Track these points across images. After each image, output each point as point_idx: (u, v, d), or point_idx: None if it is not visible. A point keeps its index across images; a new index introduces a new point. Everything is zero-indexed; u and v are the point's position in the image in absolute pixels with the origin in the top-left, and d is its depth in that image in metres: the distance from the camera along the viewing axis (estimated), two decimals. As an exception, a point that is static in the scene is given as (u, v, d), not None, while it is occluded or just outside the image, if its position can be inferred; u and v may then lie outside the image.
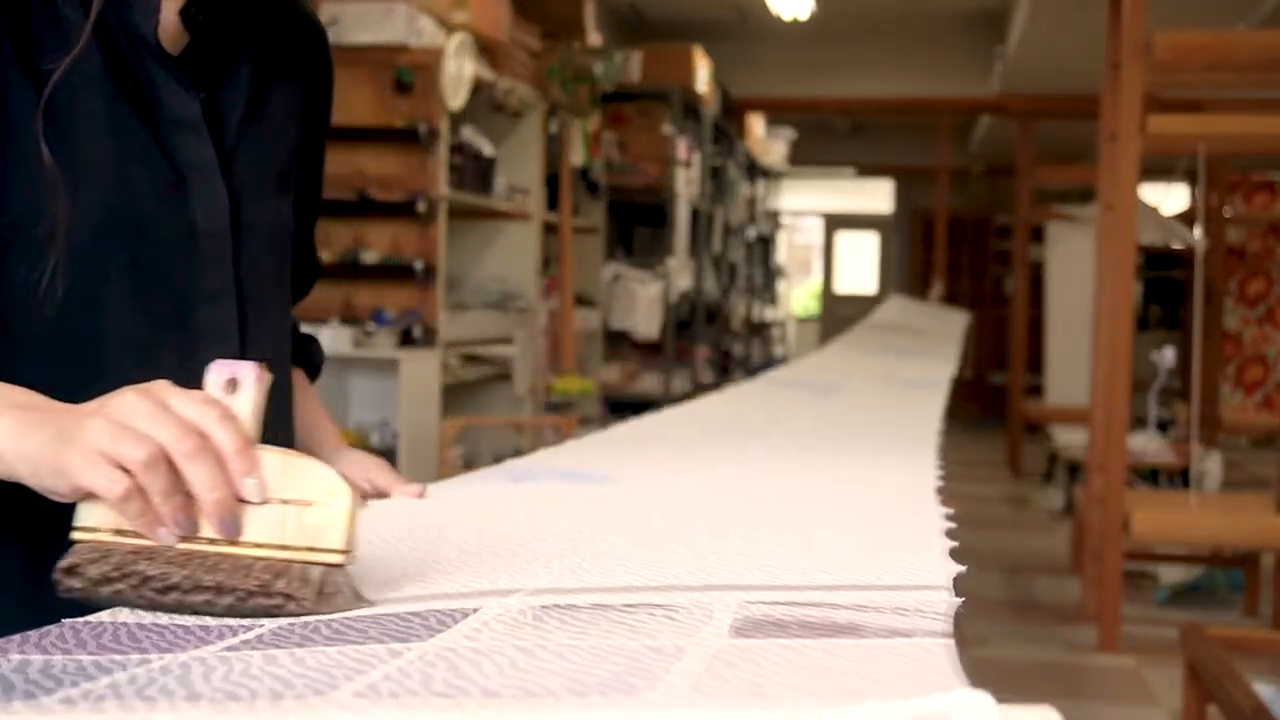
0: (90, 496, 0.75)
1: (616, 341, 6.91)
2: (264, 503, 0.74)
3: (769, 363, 11.21)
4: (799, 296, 15.42)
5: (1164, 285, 10.34)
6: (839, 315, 14.41)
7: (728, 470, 1.44)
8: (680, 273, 7.09)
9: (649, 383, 7.04)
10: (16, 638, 0.68)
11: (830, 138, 13.12)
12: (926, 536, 0.94)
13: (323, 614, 0.73)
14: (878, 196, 14.81)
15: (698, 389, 7.73)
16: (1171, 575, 5.29)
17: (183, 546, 0.74)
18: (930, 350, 4.34)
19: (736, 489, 1.31)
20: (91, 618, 0.73)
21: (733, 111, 9.07)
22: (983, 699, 0.45)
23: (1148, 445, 6.08)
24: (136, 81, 0.98)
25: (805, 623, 0.68)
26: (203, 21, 1.02)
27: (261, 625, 0.73)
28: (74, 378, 0.93)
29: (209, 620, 0.74)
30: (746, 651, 0.62)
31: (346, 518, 0.74)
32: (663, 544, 0.93)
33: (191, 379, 1.00)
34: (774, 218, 11.94)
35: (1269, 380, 7.79)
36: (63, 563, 0.74)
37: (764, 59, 10.23)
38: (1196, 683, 2.92)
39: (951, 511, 1.06)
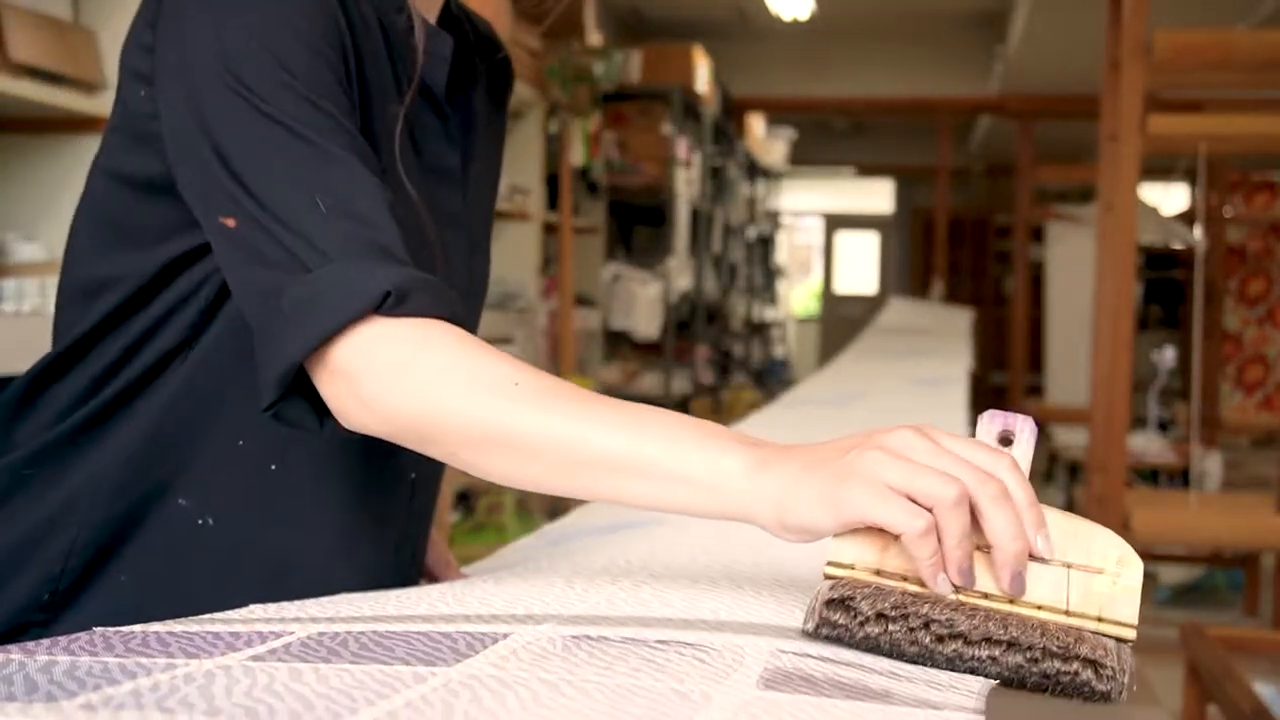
0: (850, 533, 0.71)
1: (616, 341, 6.91)
2: (1049, 562, 0.70)
3: (769, 363, 11.21)
4: (799, 296, 15.42)
5: (1164, 285, 10.34)
6: (839, 315, 14.42)
7: None
8: (680, 273, 7.08)
9: (649, 383, 7.03)
10: (47, 641, 0.68)
11: (830, 138, 13.12)
12: None
13: (1110, 693, 0.67)
14: (878, 196, 14.80)
15: (698, 389, 7.73)
16: (1171, 575, 5.29)
17: (957, 597, 0.70)
18: (941, 348, 4.34)
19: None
20: (124, 628, 0.72)
21: (733, 111, 9.07)
22: None
23: (1148, 445, 6.08)
24: (413, 127, 0.97)
25: (836, 683, 0.65)
26: (453, 67, 1.01)
27: (291, 634, 0.71)
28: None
29: (239, 628, 0.73)
30: (773, 706, 0.60)
31: (1138, 591, 0.70)
32: (704, 573, 0.91)
33: None
34: (774, 218, 11.93)
35: (1269, 380, 7.79)
36: (830, 594, 0.70)
37: (764, 59, 10.23)
38: (1196, 683, 2.92)
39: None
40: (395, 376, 0.81)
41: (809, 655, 0.69)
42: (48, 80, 2.50)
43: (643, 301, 6.66)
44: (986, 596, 0.70)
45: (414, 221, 0.93)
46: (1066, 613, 0.70)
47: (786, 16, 8.91)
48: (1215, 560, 5.24)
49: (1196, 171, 4.80)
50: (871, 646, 0.69)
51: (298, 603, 0.83)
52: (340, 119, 0.87)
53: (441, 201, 0.99)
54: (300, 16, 0.87)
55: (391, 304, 0.81)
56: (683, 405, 7.33)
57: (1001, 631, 0.68)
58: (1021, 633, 0.68)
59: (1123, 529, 4.40)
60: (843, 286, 15.16)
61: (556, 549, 1.21)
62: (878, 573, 0.71)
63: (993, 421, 0.74)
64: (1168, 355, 5.38)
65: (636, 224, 7.55)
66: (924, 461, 0.70)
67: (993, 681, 0.69)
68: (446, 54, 0.99)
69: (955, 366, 3.43)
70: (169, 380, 0.94)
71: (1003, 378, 10.89)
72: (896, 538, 0.70)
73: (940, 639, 0.68)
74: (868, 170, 13.95)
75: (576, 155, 5.79)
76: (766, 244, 11.49)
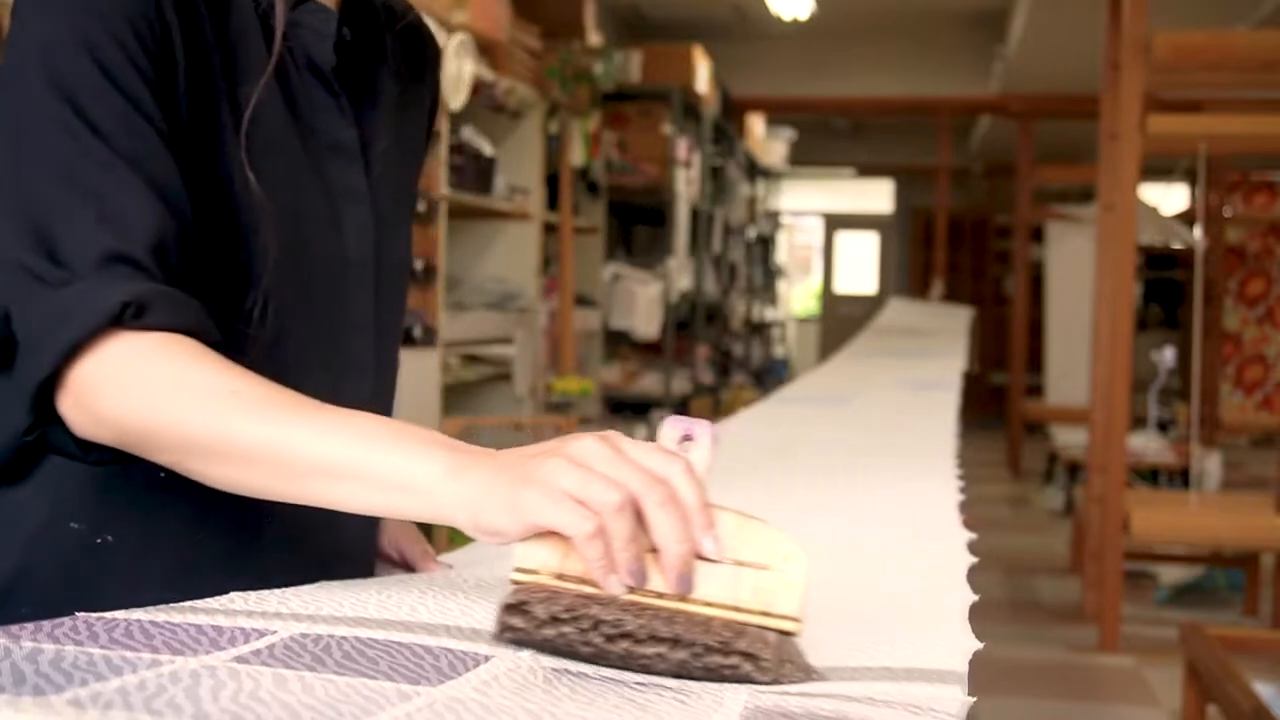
0: (535, 538, 0.74)
1: (616, 341, 6.91)
2: (717, 561, 0.73)
3: (769, 363, 11.21)
4: (799, 296, 15.42)
5: (1164, 285, 10.34)
6: (839, 315, 14.43)
7: (744, 503, 1.43)
8: (680, 273, 7.09)
9: (649, 383, 7.03)
10: (30, 625, 0.68)
11: (830, 138, 13.12)
12: (948, 598, 0.92)
13: (775, 682, 0.70)
14: (878, 196, 14.81)
15: (698, 389, 7.73)
16: (1171, 575, 5.29)
17: (630, 597, 0.72)
18: (938, 349, 4.34)
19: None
20: (106, 614, 0.72)
21: (733, 111, 9.07)
22: None
23: (1148, 445, 6.08)
24: (302, 106, 0.97)
25: (815, 716, 0.66)
26: (350, 43, 1.01)
27: (275, 634, 0.71)
28: None
29: (222, 622, 0.73)
30: None
31: (801, 585, 0.73)
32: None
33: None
34: (774, 218, 11.93)
35: (1269, 380, 7.79)
36: (508, 599, 0.73)
37: (764, 59, 10.23)
38: (1196, 683, 2.92)
39: (974, 537, 1.06)
40: (121, 388, 0.83)
41: (788, 693, 0.70)
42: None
43: (643, 301, 6.66)
44: (660, 596, 0.73)
45: (247, 202, 0.92)
46: (735, 609, 0.73)
47: (786, 16, 8.91)
48: (1215, 560, 5.24)
49: (1196, 171, 4.80)
50: (551, 649, 0.72)
51: (278, 593, 0.83)
52: (135, 112, 0.87)
53: (340, 177, 1.00)
54: (108, 6, 0.87)
55: (131, 315, 0.82)
56: (683, 405, 7.33)
57: (666, 629, 0.71)
58: (685, 630, 0.71)
59: (1123, 529, 4.40)
60: (842, 286, 15.16)
61: None
62: (560, 576, 0.73)
63: (674, 426, 0.77)
64: (1168, 355, 5.38)
65: (636, 224, 7.55)
66: (598, 468, 0.73)
67: (971, 700, 0.70)
68: (329, 31, 0.99)
69: (950, 368, 3.44)
70: None
71: (1003, 378, 10.90)
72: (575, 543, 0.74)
73: (610, 639, 0.71)
74: (868, 170, 13.95)
75: (576, 155, 5.79)
76: (766, 244, 11.49)
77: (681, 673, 0.71)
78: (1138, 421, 5.95)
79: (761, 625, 0.72)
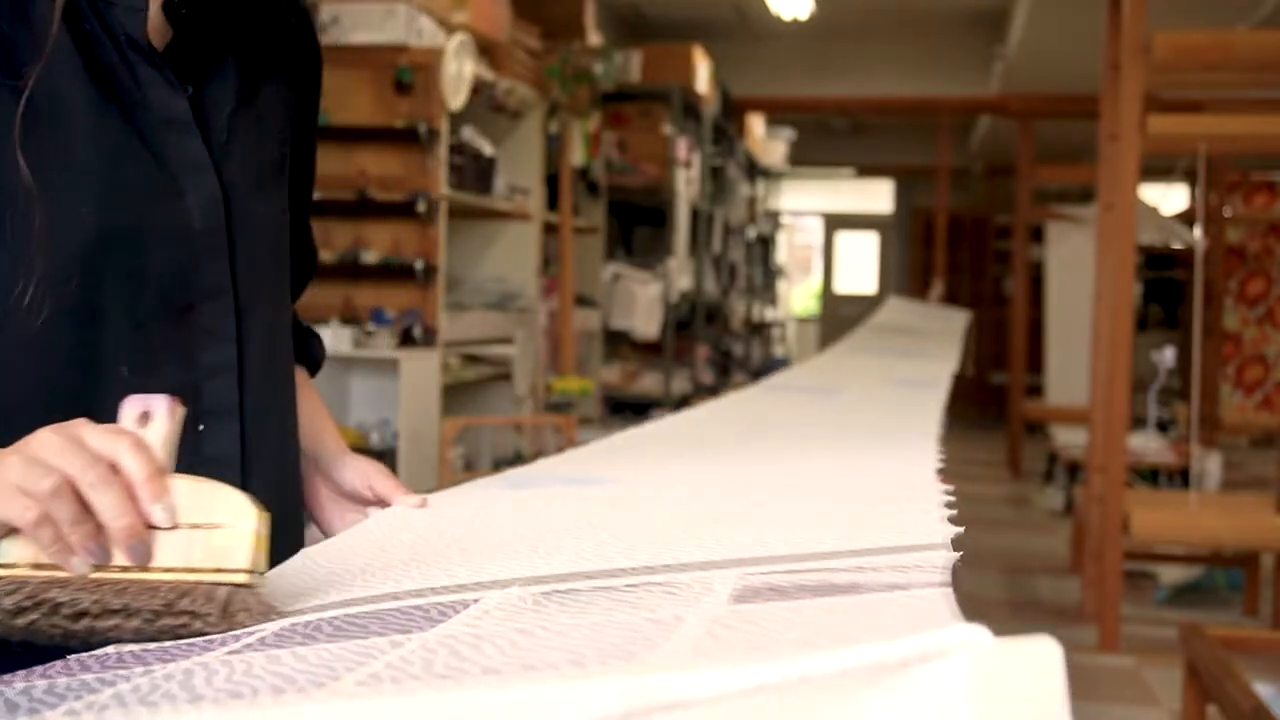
0: (11, 533, 0.76)
1: (616, 341, 6.91)
2: (174, 528, 0.76)
3: (769, 363, 11.20)
4: (799, 296, 15.42)
5: (1164, 285, 10.35)
6: (839, 315, 14.42)
7: (729, 464, 1.45)
8: (680, 273, 7.09)
9: (649, 383, 7.03)
10: (22, 672, 0.69)
11: (830, 138, 13.12)
12: (925, 505, 0.94)
13: (227, 631, 0.73)
14: (878, 196, 14.81)
15: (698, 389, 7.73)
16: (1171, 575, 5.29)
17: (96, 575, 0.75)
18: (930, 350, 4.34)
19: (738, 479, 1.31)
20: (97, 651, 0.74)
21: (733, 111, 9.07)
22: (979, 632, 0.45)
23: (1148, 445, 6.08)
24: (121, 83, 0.97)
25: (804, 586, 0.68)
26: (186, 15, 1.01)
27: (265, 629, 0.73)
28: (69, 387, 0.93)
29: (213, 634, 0.74)
30: (746, 615, 0.62)
31: (253, 538, 0.76)
32: (665, 531, 0.93)
33: (191, 379, 0.97)
34: (774, 218, 11.93)
35: (1269, 380, 7.79)
36: None
37: (764, 59, 10.23)
38: (1196, 683, 2.92)
39: (952, 488, 1.06)
40: None
41: (775, 571, 0.72)
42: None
43: (643, 301, 6.66)
44: (125, 570, 0.76)
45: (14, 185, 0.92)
46: (191, 570, 0.76)
47: (786, 16, 8.92)
48: (1215, 560, 5.24)
49: (1196, 171, 4.80)
50: (28, 637, 0.74)
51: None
52: None
53: (178, 148, 1.00)
54: None
55: None
56: (682, 405, 7.33)
57: (117, 601, 0.74)
58: (134, 599, 0.74)
59: (1123, 529, 4.40)
60: (842, 286, 15.16)
61: (518, 492, 1.22)
62: (37, 566, 0.76)
63: (133, 406, 0.80)
64: (1168, 355, 5.38)
65: (636, 224, 7.55)
66: (42, 457, 0.75)
67: (955, 555, 0.72)
68: (140, 4, 0.98)
69: (940, 370, 3.44)
70: None
71: (1003, 378, 10.90)
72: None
73: (73, 618, 0.74)
74: (867, 170, 13.95)
75: (576, 155, 5.80)
76: (766, 244, 11.49)
77: (141, 639, 0.74)
78: (1138, 421, 5.95)
79: (215, 582, 0.75)
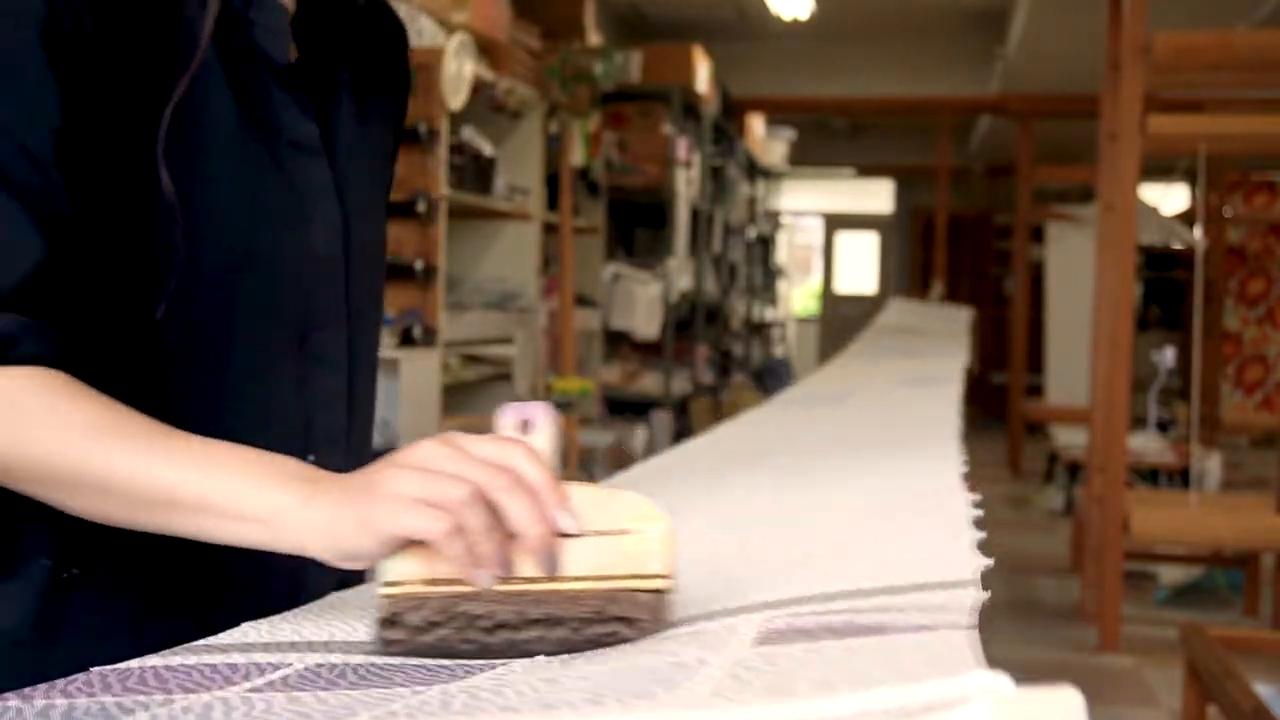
0: (398, 551, 0.74)
1: (616, 341, 6.91)
2: (579, 535, 0.74)
3: (769, 363, 11.20)
4: (799, 296, 15.42)
5: (1164, 285, 10.35)
6: (839, 315, 14.42)
7: (751, 489, 1.43)
8: (680, 273, 7.09)
9: (649, 383, 7.03)
10: (44, 686, 0.68)
11: (830, 138, 13.12)
12: (953, 528, 0.93)
13: (656, 634, 0.71)
14: (878, 196, 14.81)
15: (698, 389, 7.73)
16: (1171, 575, 5.29)
17: (502, 587, 0.73)
18: (939, 348, 4.35)
19: (761, 505, 1.30)
20: (121, 665, 0.72)
21: (733, 111, 9.07)
22: (1000, 680, 0.44)
23: (1148, 445, 6.08)
24: (259, 104, 0.96)
25: (829, 627, 0.67)
26: (311, 37, 1.00)
27: (290, 666, 0.71)
28: (197, 408, 0.92)
29: (237, 659, 0.73)
30: (768, 656, 0.61)
31: (665, 542, 0.74)
32: (689, 570, 0.92)
33: (306, 406, 0.96)
34: (774, 218, 11.93)
35: (1269, 380, 7.79)
36: (380, 614, 0.73)
37: (764, 59, 10.23)
38: (1196, 683, 2.92)
39: (979, 497, 1.05)
40: None
41: (799, 613, 0.71)
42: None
43: (643, 301, 6.66)
44: (532, 581, 0.73)
45: (181, 196, 0.91)
46: (606, 577, 0.73)
47: (786, 16, 8.91)
48: (1215, 560, 5.24)
49: (1196, 171, 4.80)
50: (435, 653, 0.72)
51: (292, 623, 0.83)
52: (25, 131, 0.85)
53: (303, 173, 0.98)
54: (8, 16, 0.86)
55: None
56: (682, 405, 7.33)
57: (538, 610, 0.72)
58: (556, 608, 0.72)
59: (1123, 529, 4.40)
60: (843, 286, 15.16)
61: None
62: (430, 582, 0.73)
63: (511, 413, 0.79)
64: (1168, 355, 5.38)
65: (636, 224, 7.55)
66: (439, 468, 0.74)
67: (985, 594, 0.70)
68: (282, 27, 0.97)
69: (951, 366, 3.44)
70: None
71: (1003, 378, 10.90)
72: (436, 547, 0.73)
73: (489, 630, 0.72)
74: (868, 170, 13.95)
75: (576, 155, 5.79)
76: (766, 244, 11.49)
77: (564, 649, 0.72)
78: (1138, 421, 5.95)
79: (633, 589, 0.73)
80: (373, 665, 0.71)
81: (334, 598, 0.87)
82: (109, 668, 0.71)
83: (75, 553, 0.93)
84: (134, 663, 0.72)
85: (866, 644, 0.62)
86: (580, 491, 0.75)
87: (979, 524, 0.91)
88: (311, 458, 0.97)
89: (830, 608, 0.72)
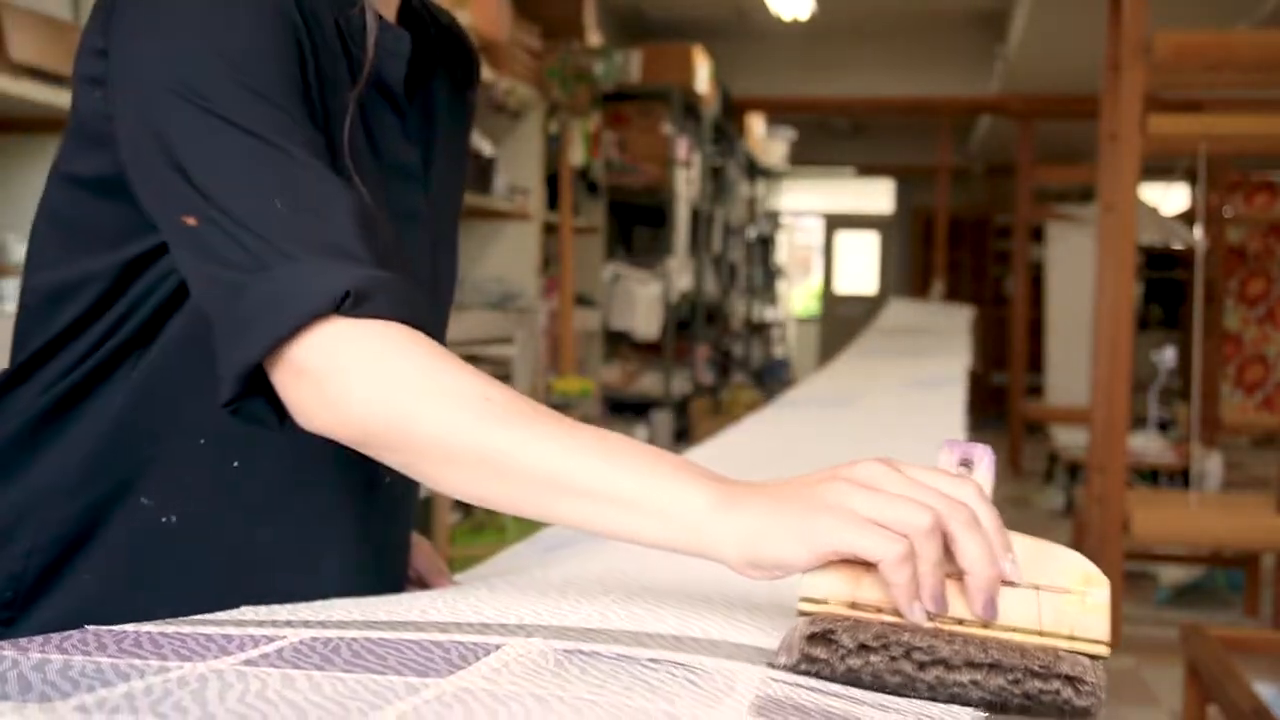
0: (821, 567, 0.71)
1: (616, 341, 6.91)
2: (1017, 585, 0.72)
3: (769, 363, 11.20)
4: (799, 296, 15.42)
5: (1164, 285, 10.34)
6: (839, 315, 14.42)
7: None
8: (680, 273, 7.08)
9: (649, 383, 7.03)
10: (39, 638, 0.68)
11: (830, 138, 13.11)
12: None
13: (1089, 710, 0.69)
14: (878, 196, 14.80)
15: (698, 390, 7.72)
16: (1171, 575, 5.29)
17: (934, 624, 0.71)
18: (940, 347, 4.34)
19: None
20: (116, 627, 0.72)
21: (733, 111, 9.07)
22: None
23: (1148, 445, 6.08)
24: (372, 126, 0.97)
25: (827, 713, 0.65)
26: (411, 61, 1.00)
27: (284, 638, 0.71)
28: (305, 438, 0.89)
29: (231, 630, 0.73)
30: None
31: (1107, 609, 0.72)
32: (698, 589, 0.90)
33: None
34: (774, 218, 11.93)
35: (1269, 380, 7.79)
36: (808, 629, 0.70)
37: (764, 59, 10.23)
38: (1196, 683, 2.92)
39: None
40: (360, 380, 0.80)
41: (800, 685, 0.69)
42: (48, 80, 2.50)
43: (643, 301, 6.66)
44: (961, 622, 0.71)
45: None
46: (1040, 633, 0.71)
47: (786, 16, 8.91)
48: (1215, 560, 5.24)
49: (1196, 171, 4.80)
50: (853, 679, 0.70)
51: (289, 606, 0.83)
52: (297, 119, 0.86)
53: (401, 199, 0.99)
54: (252, 16, 0.87)
55: (351, 304, 0.80)
56: (682, 405, 7.33)
57: (982, 655, 0.69)
58: (1003, 655, 0.69)
59: (1123, 529, 4.40)
60: (843, 286, 15.16)
61: (550, 555, 1.19)
62: (853, 605, 0.71)
63: (953, 450, 0.76)
64: (1168, 355, 5.38)
65: (636, 224, 7.55)
66: (894, 491, 0.71)
67: (982, 715, 0.69)
68: (404, 51, 0.98)
69: (954, 366, 3.44)
70: (127, 380, 0.94)
71: (1003, 378, 10.90)
72: (869, 570, 0.71)
73: (922, 666, 0.69)
74: (868, 170, 13.94)
75: (576, 155, 5.79)
76: (766, 244, 11.49)
77: (996, 700, 0.69)
78: (1138, 421, 5.95)
79: (1073, 650, 0.71)
80: (367, 639, 0.71)
81: (334, 600, 0.87)
82: (104, 629, 0.71)
83: (174, 500, 0.94)
84: (129, 627, 0.72)
85: None
86: (1020, 541, 0.73)
87: None
88: (388, 479, 0.98)
89: (832, 688, 0.70)
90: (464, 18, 4.49)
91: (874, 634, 0.69)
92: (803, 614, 0.72)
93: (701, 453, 2.15)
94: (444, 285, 1.05)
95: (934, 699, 0.69)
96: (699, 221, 7.67)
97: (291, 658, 0.67)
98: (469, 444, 0.78)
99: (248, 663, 0.66)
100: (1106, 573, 0.74)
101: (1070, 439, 7.32)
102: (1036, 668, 0.68)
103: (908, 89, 10.17)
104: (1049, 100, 9.07)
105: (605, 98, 6.19)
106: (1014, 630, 0.71)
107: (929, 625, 0.70)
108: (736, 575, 0.93)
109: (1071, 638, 0.71)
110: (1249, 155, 6.76)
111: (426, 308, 0.86)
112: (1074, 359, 7.82)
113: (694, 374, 7.70)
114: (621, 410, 6.87)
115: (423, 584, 1.13)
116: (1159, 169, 6.75)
